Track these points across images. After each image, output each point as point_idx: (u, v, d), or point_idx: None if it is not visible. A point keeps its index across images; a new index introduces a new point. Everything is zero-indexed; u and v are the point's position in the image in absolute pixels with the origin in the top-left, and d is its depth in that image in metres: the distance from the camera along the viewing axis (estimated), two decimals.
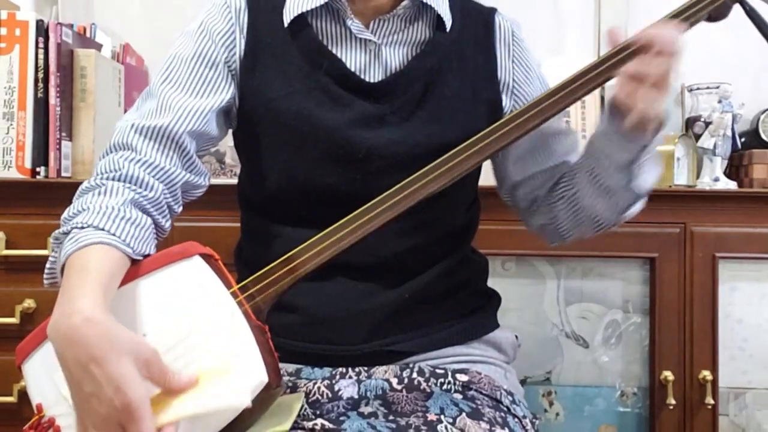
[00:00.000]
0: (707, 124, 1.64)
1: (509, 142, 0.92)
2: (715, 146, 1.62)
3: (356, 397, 0.93)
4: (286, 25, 0.98)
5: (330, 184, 0.97)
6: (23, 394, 1.41)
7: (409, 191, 0.89)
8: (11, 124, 1.47)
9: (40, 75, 1.48)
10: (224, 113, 1.01)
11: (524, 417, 0.98)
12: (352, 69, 0.98)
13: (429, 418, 0.87)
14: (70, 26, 1.59)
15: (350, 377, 0.95)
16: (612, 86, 0.92)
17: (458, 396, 0.94)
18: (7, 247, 1.43)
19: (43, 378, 0.81)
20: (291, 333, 0.96)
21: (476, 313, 1.04)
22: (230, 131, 1.06)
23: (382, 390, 0.93)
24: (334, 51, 0.98)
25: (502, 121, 0.92)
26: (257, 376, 0.76)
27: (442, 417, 0.88)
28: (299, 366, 0.96)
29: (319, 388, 0.93)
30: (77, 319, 0.72)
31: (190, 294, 0.82)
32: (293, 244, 0.88)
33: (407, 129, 0.97)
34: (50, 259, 0.87)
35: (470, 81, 1.01)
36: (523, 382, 1.48)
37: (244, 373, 0.77)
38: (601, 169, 0.97)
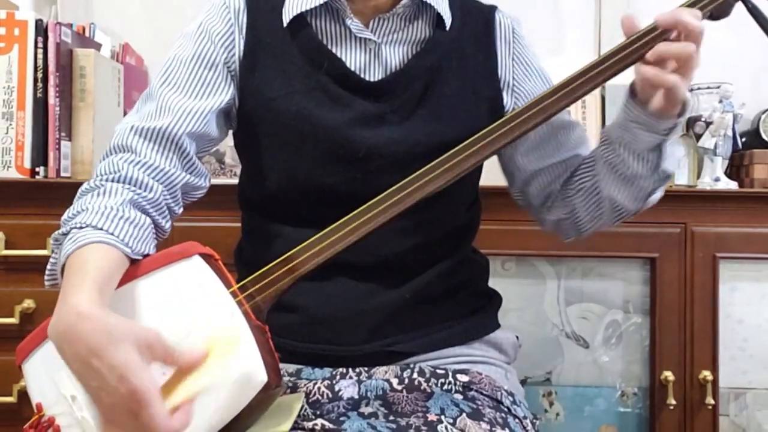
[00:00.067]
0: (708, 124, 1.64)
1: (510, 141, 0.92)
2: (715, 146, 1.62)
3: (356, 397, 0.93)
4: (285, 24, 0.98)
5: (330, 184, 0.96)
6: (23, 394, 1.41)
7: (410, 190, 0.89)
8: (10, 124, 1.47)
9: (39, 75, 1.48)
10: (224, 114, 1.01)
11: (525, 418, 0.97)
12: (352, 68, 0.98)
13: (429, 419, 0.87)
14: (70, 26, 1.59)
15: (350, 377, 0.94)
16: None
17: (459, 396, 0.93)
18: (7, 248, 1.43)
19: (43, 377, 0.81)
20: (291, 333, 0.95)
21: (477, 314, 1.04)
22: (230, 131, 1.06)
23: (382, 390, 0.93)
24: (333, 50, 0.98)
25: (502, 120, 0.92)
26: (258, 375, 0.76)
27: (443, 417, 0.88)
28: (299, 366, 0.96)
29: (319, 388, 0.93)
30: (73, 316, 0.72)
31: (190, 294, 0.81)
32: (293, 244, 0.87)
33: (407, 128, 0.97)
34: (51, 260, 0.87)
35: (471, 79, 1.01)
36: (523, 383, 1.48)
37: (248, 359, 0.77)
38: (624, 157, 0.96)
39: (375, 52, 0.99)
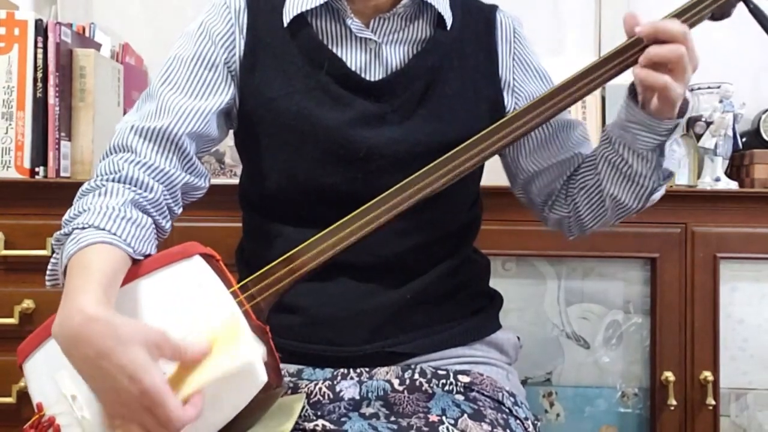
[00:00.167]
0: (708, 124, 1.63)
1: (511, 141, 0.92)
2: (716, 146, 1.62)
3: (357, 398, 0.92)
4: (285, 24, 0.98)
5: (331, 184, 0.96)
6: (22, 395, 1.40)
7: (411, 191, 0.89)
8: (10, 124, 1.47)
9: (39, 75, 1.48)
10: (224, 114, 1.01)
11: (526, 419, 0.97)
12: (353, 68, 0.98)
13: (430, 419, 0.87)
14: (69, 26, 1.59)
15: (351, 378, 0.94)
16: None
17: (460, 397, 0.93)
18: (6, 248, 1.43)
19: (44, 377, 0.81)
20: (292, 333, 0.95)
21: (478, 314, 1.04)
22: (230, 131, 1.06)
23: (383, 391, 0.93)
24: (334, 50, 0.98)
25: (503, 120, 0.92)
26: (258, 375, 0.76)
27: (444, 418, 0.87)
28: (300, 367, 0.96)
29: (320, 388, 0.93)
30: (80, 318, 0.72)
31: (191, 294, 0.81)
32: (294, 244, 0.88)
33: (408, 128, 0.97)
34: (52, 260, 0.87)
35: (471, 79, 1.01)
36: (523, 383, 1.48)
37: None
38: (625, 156, 0.97)
39: (375, 52, 0.99)
